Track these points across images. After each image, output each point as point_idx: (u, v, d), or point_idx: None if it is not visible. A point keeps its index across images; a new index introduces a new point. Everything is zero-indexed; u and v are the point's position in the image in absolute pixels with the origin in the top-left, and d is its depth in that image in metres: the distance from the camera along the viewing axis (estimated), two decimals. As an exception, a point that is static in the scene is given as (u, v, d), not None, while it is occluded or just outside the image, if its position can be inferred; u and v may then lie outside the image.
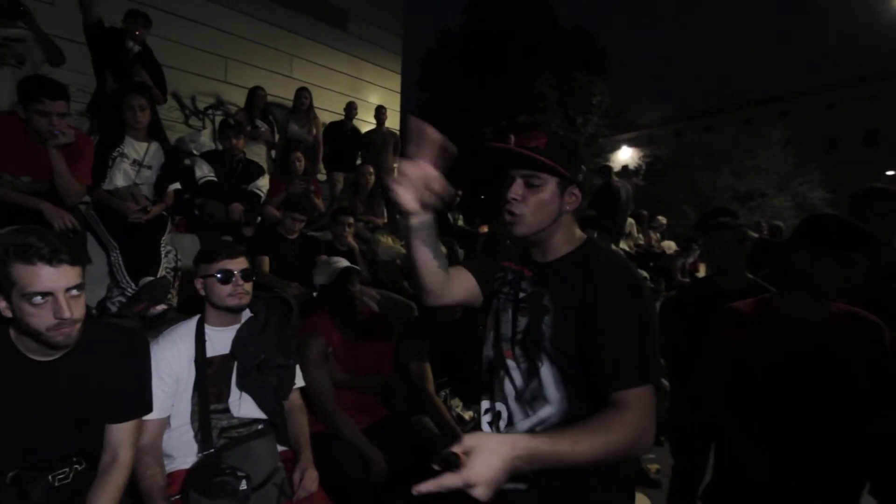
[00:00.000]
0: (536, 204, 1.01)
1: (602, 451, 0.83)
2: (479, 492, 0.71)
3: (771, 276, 2.30)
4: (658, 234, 7.72)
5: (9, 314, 1.13)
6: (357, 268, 2.20)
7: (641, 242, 7.08)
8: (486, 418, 1.14)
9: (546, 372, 1.01)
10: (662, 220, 7.96)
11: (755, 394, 1.43)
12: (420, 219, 0.99)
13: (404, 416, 2.10)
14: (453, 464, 0.69)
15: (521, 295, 1.09)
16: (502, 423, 1.09)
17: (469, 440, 0.75)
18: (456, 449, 0.73)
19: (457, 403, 2.21)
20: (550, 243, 1.07)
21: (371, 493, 1.76)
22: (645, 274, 4.18)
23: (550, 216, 1.03)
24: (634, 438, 0.86)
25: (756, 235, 5.12)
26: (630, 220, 7.04)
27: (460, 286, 1.16)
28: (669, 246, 7.44)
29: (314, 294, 2.22)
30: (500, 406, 1.10)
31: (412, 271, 1.10)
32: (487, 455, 0.73)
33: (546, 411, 1.01)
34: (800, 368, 1.35)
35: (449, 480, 0.71)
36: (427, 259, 1.05)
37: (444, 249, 1.19)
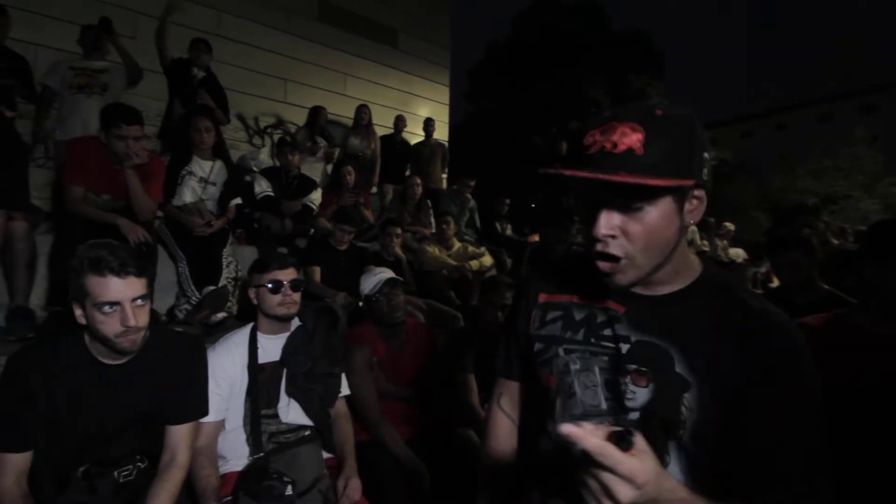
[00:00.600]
0: (647, 235, 0.66)
1: None
2: (626, 491, 0.51)
3: (856, 287, 2.11)
4: (725, 242, 7.23)
5: (83, 321, 1.24)
6: (399, 278, 2.21)
7: (706, 250, 6.65)
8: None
9: (674, 469, 0.70)
10: (730, 226, 7.43)
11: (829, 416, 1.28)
12: None
13: (448, 428, 2.07)
14: (627, 442, 0.53)
15: (622, 347, 0.74)
16: None
17: (643, 442, 0.54)
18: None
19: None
20: (661, 274, 0.72)
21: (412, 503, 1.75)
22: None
23: (669, 244, 0.68)
24: None
25: (836, 242, 4.66)
26: (693, 228, 6.61)
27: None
28: (738, 254, 6.94)
29: (360, 304, 2.25)
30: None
31: None
32: (654, 463, 0.54)
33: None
34: (871, 387, 1.21)
35: (612, 452, 0.51)
36: None
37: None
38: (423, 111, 7.31)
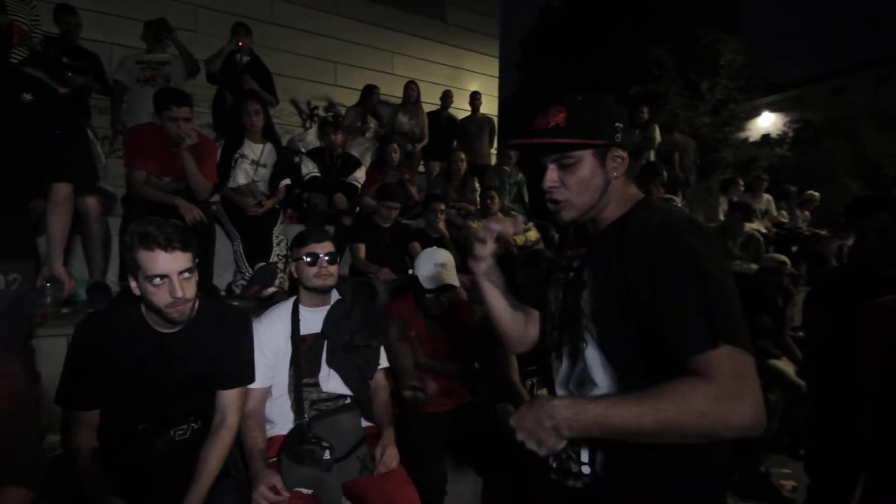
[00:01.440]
0: (577, 184, 0.93)
1: (656, 422, 0.72)
2: (520, 436, 0.81)
3: None
4: (807, 213, 6.51)
5: (138, 293, 1.34)
6: (455, 284, 2.14)
7: (785, 221, 6.03)
8: None
9: (591, 353, 0.91)
10: (814, 195, 6.65)
11: None
12: (488, 263, 1.09)
13: (488, 402, 2.07)
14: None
15: (571, 275, 1.00)
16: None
17: (534, 398, 0.84)
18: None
19: (544, 393, 2.12)
20: (603, 216, 0.97)
21: (446, 474, 1.77)
22: (783, 258, 3.56)
23: (597, 190, 0.93)
24: (711, 409, 0.71)
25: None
26: (767, 197, 6.05)
27: (535, 328, 1.16)
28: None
29: (409, 272, 2.21)
30: (551, 394, 1.02)
31: (492, 322, 1.16)
32: (526, 406, 0.83)
33: (595, 394, 0.91)
34: None
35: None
36: (501, 306, 1.13)
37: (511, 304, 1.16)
38: (473, 85, 7.14)
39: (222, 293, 2.80)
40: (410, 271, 2.21)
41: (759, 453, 2.76)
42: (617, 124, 0.92)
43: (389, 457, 1.62)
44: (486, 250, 1.07)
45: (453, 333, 2.16)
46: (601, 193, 0.94)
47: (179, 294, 1.30)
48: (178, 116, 2.40)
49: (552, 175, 0.94)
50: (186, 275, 1.32)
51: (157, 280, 1.28)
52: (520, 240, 3.59)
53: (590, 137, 0.90)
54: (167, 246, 1.28)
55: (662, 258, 0.81)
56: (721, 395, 0.71)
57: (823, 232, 5.55)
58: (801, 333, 3.11)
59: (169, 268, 1.28)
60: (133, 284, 1.34)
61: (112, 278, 2.48)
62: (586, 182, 0.93)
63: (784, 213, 6.24)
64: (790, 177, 12.38)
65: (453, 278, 2.10)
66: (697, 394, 0.72)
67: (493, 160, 5.69)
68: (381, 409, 1.78)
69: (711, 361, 0.73)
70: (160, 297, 1.30)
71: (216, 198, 2.90)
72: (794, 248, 5.30)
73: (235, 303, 2.55)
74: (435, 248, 2.25)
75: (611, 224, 0.96)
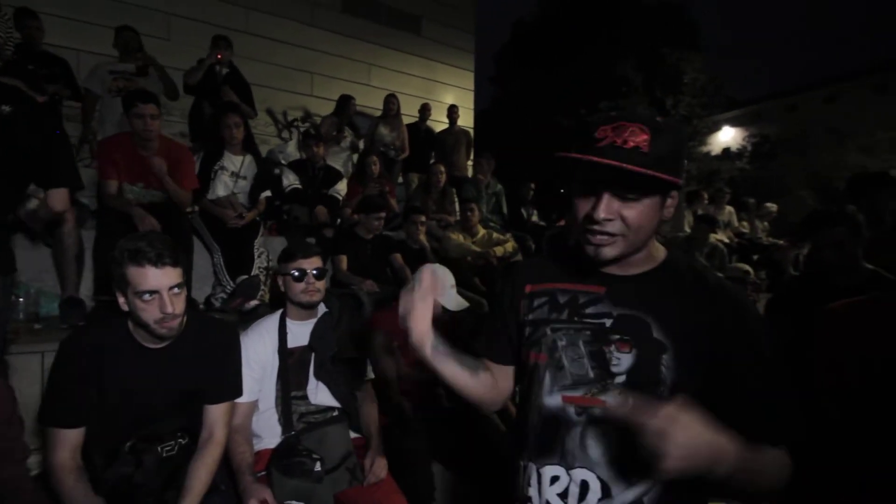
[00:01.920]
0: (637, 219, 0.78)
1: (769, 479, 0.75)
2: (672, 449, 0.61)
3: None
4: (766, 224, 6.90)
5: (126, 308, 1.33)
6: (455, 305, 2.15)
7: (746, 232, 6.38)
8: (553, 489, 0.85)
9: None
10: (771, 207, 7.06)
11: (853, 406, 1.24)
12: (430, 340, 0.89)
13: (471, 410, 2.11)
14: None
15: (605, 322, 0.84)
16: (593, 497, 0.82)
17: (690, 408, 0.64)
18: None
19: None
20: (635, 258, 0.84)
21: (435, 483, 1.81)
22: (747, 268, 3.78)
23: (651, 231, 0.81)
24: (778, 487, 0.76)
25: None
26: (729, 209, 6.39)
27: (506, 381, 1.00)
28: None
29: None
30: (582, 474, 0.83)
31: (458, 392, 0.97)
32: (702, 425, 0.63)
33: (645, 484, 0.81)
34: None
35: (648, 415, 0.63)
36: (461, 375, 0.94)
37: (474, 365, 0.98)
38: (448, 98, 7.27)
39: (201, 306, 2.75)
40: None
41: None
42: (685, 160, 0.84)
43: (378, 467, 1.64)
44: (421, 333, 0.87)
45: (437, 343, 2.20)
46: (652, 234, 0.82)
47: (170, 310, 1.30)
48: (145, 113, 2.44)
49: (610, 206, 0.77)
50: (176, 290, 1.33)
51: (147, 296, 1.28)
52: (499, 251, 3.68)
53: (669, 172, 0.74)
54: (158, 262, 1.28)
55: (760, 336, 0.79)
56: (782, 480, 0.77)
57: (781, 242, 5.89)
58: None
59: (159, 283, 1.28)
60: (121, 300, 1.33)
61: (86, 292, 2.41)
62: (647, 221, 0.79)
63: (745, 224, 6.59)
64: (749, 189, 13.06)
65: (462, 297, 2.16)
66: (783, 471, 0.76)
67: (470, 172, 5.80)
68: (369, 420, 1.80)
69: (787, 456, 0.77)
70: (150, 312, 1.30)
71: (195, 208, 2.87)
72: (755, 258, 5.59)
73: (215, 316, 2.52)
74: (437, 265, 2.29)
75: (654, 270, 0.85)
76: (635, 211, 0.77)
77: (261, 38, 5.82)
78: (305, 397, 1.73)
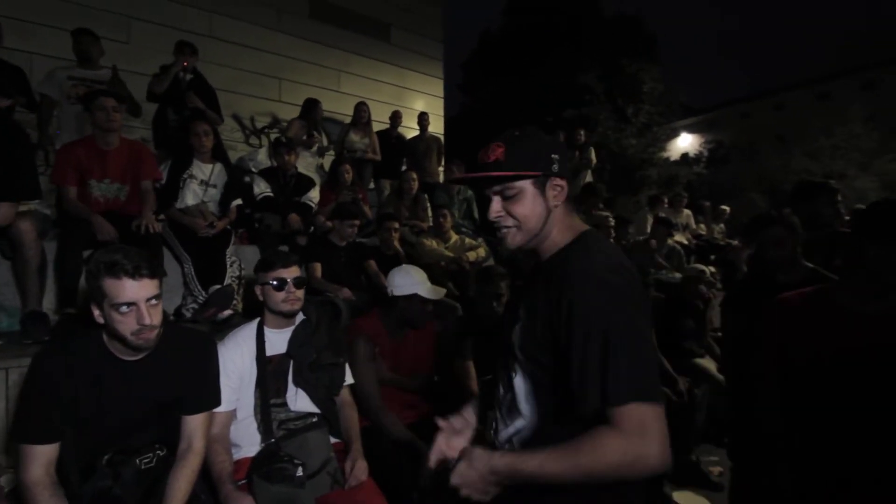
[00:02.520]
0: (520, 213, 0.98)
1: (576, 473, 0.81)
2: (465, 492, 0.89)
3: (844, 267, 2.16)
4: (722, 225, 7.30)
5: (101, 321, 1.32)
6: (437, 299, 2.25)
7: (703, 234, 6.73)
8: (490, 427, 1.11)
9: (518, 382, 0.99)
10: (725, 209, 7.50)
11: (801, 393, 1.37)
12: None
13: (449, 412, 2.16)
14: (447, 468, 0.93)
15: (512, 306, 1.09)
16: (492, 432, 1.08)
17: (464, 450, 0.92)
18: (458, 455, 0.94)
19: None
20: (545, 245, 1.02)
21: (417, 484, 1.85)
22: (703, 267, 4.00)
23: (540, 218, 0.99)
24: (621, 461, 0.79)
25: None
26: (687, 212, 6.74)
27: None
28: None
29: (390, 293, 2.23)
30: (491, 414, 1.10)
31: None
32: (466, 465, 0.89)
33: (519, 423, 0.99)
34: (851, 366, 1.27)
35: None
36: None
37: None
38: (418, 105, 7.34)
39: (171, 317, 2.70)
40: (391, 291, 2.20)
41: (689, 444, 3.06)
42: (553, 155, 0.98)
43: (359, 469, 1.67)
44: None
45: (415, 348, 2.25)
46: (544, 221, 0.99)
47: (147, 321, 1.30)
48: (107, 105, 2.53)
49: (496, 206, 1.00)
50: (154, 301, 1.33)
51: (124, 308, 1.28)
52: (471, 256, 3.76)
53: (526, 169, 0.95)
54: (135, 274, 1.28)
55: (588, 307, 0.86)
56: (631, 449, 0.79)
57: (735, 242, 6.24)
58: (719, 333, 3.51)
59: (136, 295, 1.29)
60: (97, 313, 1.33)
61: (48, 306, 2.33)
62: (529, 211, 0.98)
63: (702, 226, 6.96)
64: (705, 192, 13.72)
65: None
66: (610, 449, 0.80)
67: (442, 178, 5.88)
68: (349, 424, 1.83)
69: (623, 415, 0.80)
70: (127, 324, 1.30)
71: (161, 218, 2.82)
72: (712, 257, 5.90)
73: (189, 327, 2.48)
74: (407, 265, 2.35)
75: (549, 258, 1.01)
76: (517, 205, 0.98)
77: (225, 43, 5.72)
78: (285, 404, 1.74)
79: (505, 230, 1.01)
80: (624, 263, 0.95)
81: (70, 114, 3.37)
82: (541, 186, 0.98)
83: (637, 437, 0.79)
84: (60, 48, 3.70)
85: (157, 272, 1.34)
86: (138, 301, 1.28)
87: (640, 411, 0.80)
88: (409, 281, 2.17)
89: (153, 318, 1.32)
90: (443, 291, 2.26)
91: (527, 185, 0.98)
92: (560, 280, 0.92)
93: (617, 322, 0.84)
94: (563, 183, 1.00)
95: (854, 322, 1.30)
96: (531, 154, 0.97)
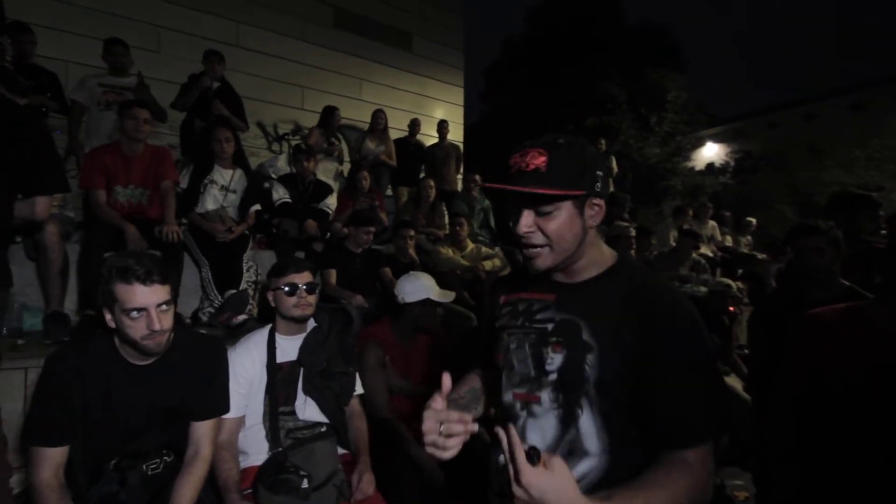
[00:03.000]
0: (554, 232, 0.87)
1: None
2: (520, 494, 0.67)
3: (880, 284, 2.05)
4: (748, 237, 7.06)
5: (113, 325, 1.33)
6: (445, 302, 2.24)
7: (730, 245, 6.52)
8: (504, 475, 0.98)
9: (587, 420, 0.86)
10: (752, 220, 7.25)
11: (831, 413, 1.28)
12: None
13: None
14: (533, 457, 0.68)
15: (548, 326, 0.93)
16: None
17: (557, 459, 0.69)
18: (543, 453, 0.70)
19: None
20: (578, 266, 0.93)
21: (425, 499, 1.80)
22: (729, 281, 3.86)
23: (576, 240, 0.89)
24: (695, 499, 0.77)
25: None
26: (712, 224, 6.54)
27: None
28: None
29: (397, 301, 2.24)
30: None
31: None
32: (562, 480, 0.67)
33: (585, 465, 0.87)
34: (885, 387, 1.19)
35: (520, 462, 0.67)
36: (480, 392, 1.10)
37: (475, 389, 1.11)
38: (438, 113, 7.36)
39: (187, 320, 2.73)
40: (402, 299, 2.19)
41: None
42: (598, 172, 0.89)
43: (366, 483, 1.63)
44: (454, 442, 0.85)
45: (427, 356, 2.22)
46: (579, 242, 0.89)
47: (157, 326, 1.30)
48: (139, 116, 2.60)
49: (527, 220, 0.88)
50: (164, 307, 1.33)
51: (135, 313, 1.29)
52: (487, 265, 3.71)
53: (571, 187, 0.85)
54: (146, 279, 1.28)
55: (682, 341, 0.82)
56: (703, 488, 0.78)
57: (762, 255, 6.02)
58: (746, 351, 3.36)
59: (147, 301, 1.29)
60: (108, 317, 1.33)
61: (70, 307, 2.38)
62: (565, 230, 0.87)
63: (728, 237, 6.74)
64: (732, 203, 13.34)
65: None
66: (689, 488, 0.77)
67: (460, 186, 5.86)
68: (357, 436, 1.80)
69: (701, 455, 0.79)
70: (137, 329, 1.30)
71: (181, 222, 2.86)
72: (739, 272, 5.71)
73: (203, 331, 2.50)
74: (415, 272, 2.34)
75: (598, 278, 0.92)
76: (552, 222, 0.87)
77: (251, 52, 5.86)
78: (293, 413, 1.72)
79: (534, 250, 0.89)
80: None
81: (100, 120, 3.47)
82: (580, 205, 0.89)
83: (708, 475, 0.79)
84: (94, 56, 3.82)
85: (168, 278, 1.34)
86: (148, 306, 1.29)
87: (710, 450, 0.80)
88: (418, 286, 2.15)
89: (163, 323, 1.32)
90: (452, 295, 2.25)
91: (566, 202, 0.87)
92: (639, 302, 0.85)
93: (708, 355, 0.83)
94: (601, 202, 0.91)
95: (889, 342, 1.22)
96: (577, 170, 0.86)
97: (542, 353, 0.92)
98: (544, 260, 0.90)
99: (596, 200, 0.90)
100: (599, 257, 0.94)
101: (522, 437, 0.90)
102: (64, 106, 3.55)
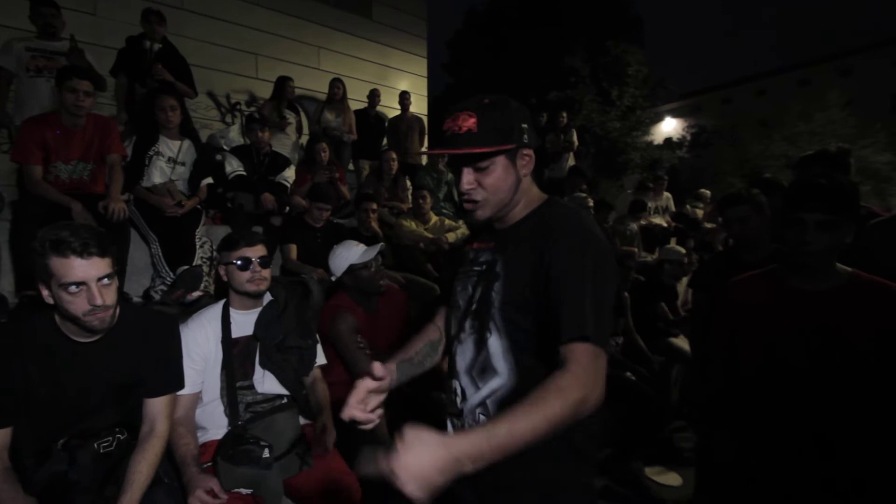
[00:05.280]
0: (492, 185, 0.96)
1: (544, 424, 0.76)
2: (409, 487, 0.66)
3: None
4: (698, 208, 7.38)
5: (51, 301, 1.27)
6: (370, 259, 2.24)
7: (687, 213, 6.80)
8: (452, 397, 1.07)
9: (494, 342, 0.97)
10: (706, 192, 7.57)
11: (753, 372, 1.39)
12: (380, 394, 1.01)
13: (421, 390, 2.16)
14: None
15: (478, 268, 1.05)
16: (458, 400, 1.04)
17: (409, 433, 0.70)
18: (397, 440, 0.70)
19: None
20: (514, 213, 1.03)
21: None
22: (682, 250, 4.04)
23: (510, 190, 0.98)
24: (576, 401, 0.79)
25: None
26: (667, 195, 6.79)
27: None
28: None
29: (332, 279, 2.30)
30: (456, 383, 1.05)
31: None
32: (420, 450, 0.68)
33: (495, 382, 0.97)
34: (798, 345, 1.28)
35: (381, 464, 0.68)
36: (423, 353, 1.15)
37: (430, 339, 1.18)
38: (402, 84, 7.18)
39: (137, 299, 2.62)
40: (333, 278, 2.26)
41: (662, 421, 3.13)
42: (523, 125, 0.96)
43: (328, 436, 1.66)
44: (371, 410, 0.98)
45: (387, 321, 2.25)
46: (514, 191, 0.99)
47: (99, 301, 1.25)
48: (79, 88, 2.39)
49: (468, 178, 0.97)
50: (106, 281, 1.27)
51: (74, 288, 1.22)
52: (451, 237, 3.73)
53: (501, 143, 0.93)
54: (83, 252, 1.22)
55: (570, 254, 0.88)
56: (582, 388, 0.80)
57: (709, 224, 6.32)
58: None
59: (86, 274, 1.23)
60: (45, 293, 1.27)
61: (8, 288, 2.24)
62: (501, 182, 0.96)
63: (689, 208, 7.02)
64: (687, 177, 13.87)
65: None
66: (564, 392, 0.79)
67: (424, 160, 5.81)
68: (320, 396, 1.82)
69: (580, 352, 0.83)
70: (78, 305, 1.24)
71: (127, 197, 2.71)
72: (692, 239, 5.99)
73: (157, 308, 2.41)
74: (337, 244, 2.35)
75: (522, 220, 1.01)
76: (489, 177, 0.96)
77: (199, 16, 5.49)
78: (251, 387, 1.71)
79: (476, 203, 0.99)
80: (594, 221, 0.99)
81: (31, 87, 3.19)
82: (512, 157, 0.97)
83: (588, 374, 0.82)
84: (18, 18, 3.48)
85: (107, 250, 1.27)
86: (88, 280, 1.23)
87: (591, 351, 0.84)
88: (340, 260, 2.22)
89: (105, 298, 1.26)
90: (375, 248, 2.25)
91: (499, 157, 0.96)
92: (544, 234, 0.93)
93: (595, 272, 0.88)
94: (530, 153, 0.99)
95: (800, 300, 1.31)
96: (504, 125, 0.94)
97: (471, 289, 1.04)
98: (484, 211, 1.00)
99: (525, 151, 0.99)
100: (528, 203, 1.03)
101: (454, 362, 1.06)
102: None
